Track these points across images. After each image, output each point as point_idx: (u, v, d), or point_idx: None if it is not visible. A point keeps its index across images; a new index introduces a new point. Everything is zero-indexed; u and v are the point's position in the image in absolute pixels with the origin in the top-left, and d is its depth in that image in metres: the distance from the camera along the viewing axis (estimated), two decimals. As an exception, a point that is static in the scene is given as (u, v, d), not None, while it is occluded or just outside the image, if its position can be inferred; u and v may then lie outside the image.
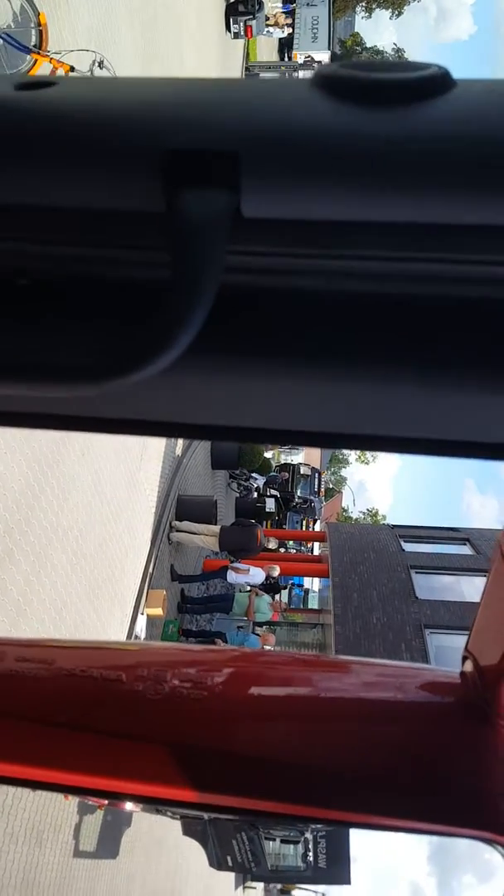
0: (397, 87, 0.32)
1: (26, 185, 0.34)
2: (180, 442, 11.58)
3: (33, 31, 5.25)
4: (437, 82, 0.32)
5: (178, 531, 10.27)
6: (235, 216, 0.33)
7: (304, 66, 26.71)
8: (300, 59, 26.98)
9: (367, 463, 54.48)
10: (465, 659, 1.11)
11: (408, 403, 0.39)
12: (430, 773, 1.02)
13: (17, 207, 0.35)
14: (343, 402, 0.40)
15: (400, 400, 0.39)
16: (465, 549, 14.20)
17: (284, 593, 18.87)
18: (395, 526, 16.25)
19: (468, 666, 1.10)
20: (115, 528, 7.60)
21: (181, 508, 10.65)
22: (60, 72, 5.14)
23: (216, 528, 10.46)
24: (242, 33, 17.71)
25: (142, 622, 8.31)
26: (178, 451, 11.52)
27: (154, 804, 1.06)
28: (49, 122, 0.34)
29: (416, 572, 13.11)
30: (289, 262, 0.35)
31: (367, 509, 52.36)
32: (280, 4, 23.91)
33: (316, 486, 26.07)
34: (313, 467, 28.05)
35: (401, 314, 0.36)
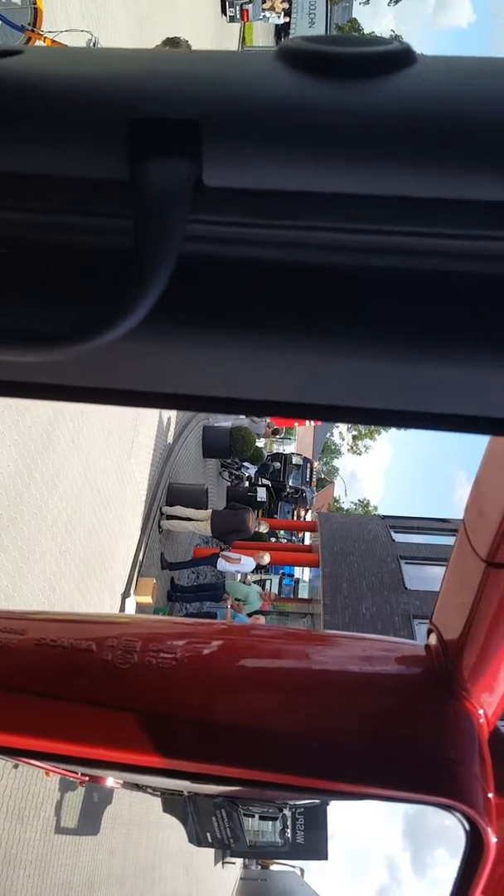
0: (359, 60, 0.33)
1: None
2: (172, 429, 11.54)
3: (28, 10, 5.18)
4: (399, 57, 0.33)
5: (168, 518, 10.25)
6: (198, 185, 0.33)
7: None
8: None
9: (359, 454, 54.59)
10: (429, 632, 1.14)
11: (371, 374, 0.39)
12: (395, 742, 1.04)
13: None
14: (300, 370, 0.40)
15: (363, 370, 0.39)
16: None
17: (275, 581, 18.91)
18: (385, 516, 16.30)
19: (433, 639, 1.13)
20: (104, 516, 7.57)
21: (172, 496, 10.62)
22: (53, 51, 5.08)
23: (207, 513, 10.44)
24: (238, 17, 17.55)
25: (131, 610, 8.30)
26: (170, 438, 11.48)
27: (122, 771, 1.07)
28: (14, 91, 0.34)
29: (406, 563, 13.16)
30: (251, 231, 0.35)
31: (359, 500, 52.49)
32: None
33: (308, 476, 26.07)
34: (305, 457, 28.06)
35: (360, 285, 0.36)
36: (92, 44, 5.37)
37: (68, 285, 0.38)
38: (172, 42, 5.16)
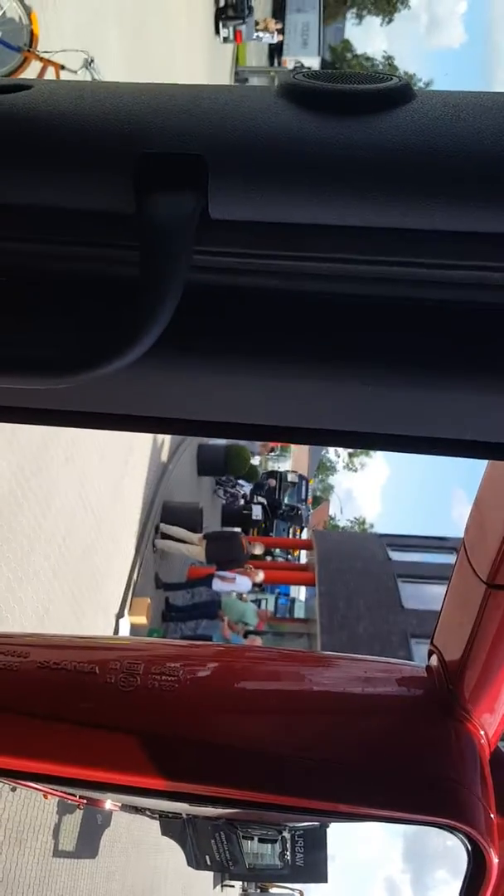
0: (359, 98, 0.34)
1: (1, 184, 0.35)
2: (166, 447, 11.50)
3: (24, 31, 5.21)
4: (398, 94, 0.35)
5: (163, 536, 10.21)
6: (203, 218, 0.34)
7: (295, 70, 26.77)
8: (290, 65, 27.06)
9: (354, 470, 54.63)
10: (430, 653, 1.16)
11: (373, 400, 0.39)
12: (396, 763, 1.05)
13: None
14: (303, 396, 0.40)
15: (365, 396, 0.39)
16: (453, 559, 14.22)
17: (271, 601, 18.79)
18: (382, 535, 16.25)
19: (433, 660, 1.14)
20: (98, 535, 7.51)
21: (166, 515, 10.57)
22: (50, 70, 5.12)
23: (201, 540, 10.42)
24: (232, 38, 17.75)
25: (125, 630, 8.21)
26: (164, 456, 11.44)
27: (123, 793, 1.09)
28: (24, 126, 0.35)
29: (403, 581, 13.09)
30: (255, 262, 0.35)
31: (355, 518, 52.53)
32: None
33: (303, 494, 26.09)
34: (301, 475, 28.09)
35: (361, 313, 0.36)
36: (88, 62, 5.41)
37: (75, 313, 0.38)
38: None
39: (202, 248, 0.35)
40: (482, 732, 1.06)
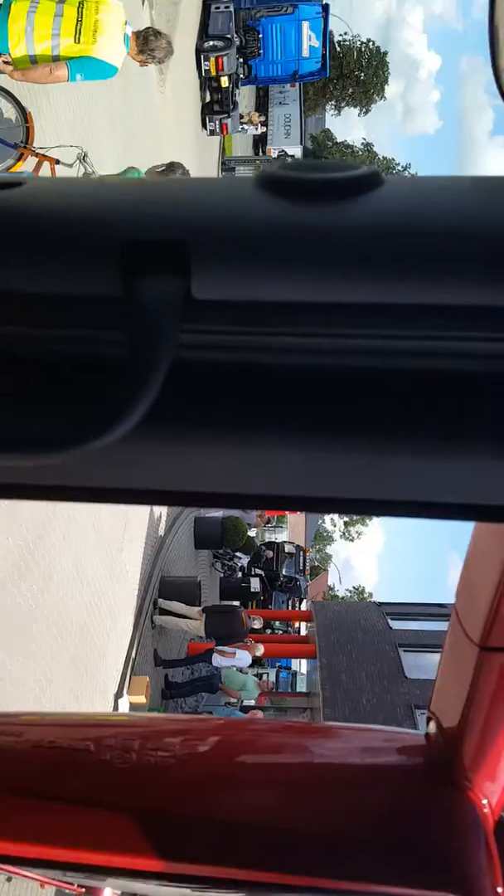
0: (330, 186, 0.37)
1: None
2: (163, 521, 11.50)
3: (21, 130, 5.50)
4: (367, 181, 0.37)
5: (161, 612, 10.09)
6: (187, 298, 0.36)
7: (278, 160, 28.11)
8: (274, 154, 28.33)
9: (351, 540, 54.26)
10: (428, 720, 1.13)
11: (357, 467, 0.41)
12: (397, 836, 1.02)
13: None
14: (287, 466, 0.42)
15: (348, 463, 0.41)
16: (453, 625, 13.99)
17: (272, 674, 18.36)
18: (381, 603, 16.05)
19: (432, 727, 1.11)
20: (96, 613, 7.44)
21: (164, 590, 10.47)
22: (46, 165, 5.37)
23: (201, 614, 10.31)
24: (218, 130, 18.60)
25: (124, 710, 8.03)
26: (161, 531, 11.42)
27: (123, 876, 1.04)
28: (16, 219, 0.38)
29: (405, 650, 12.87)
30: (238, 338, 0.38)
31: (354, 587, 51.73)
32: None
33: (301, 565, 25.73)
34: (298, 545, 27.79)
35: (346, 384, 0.39)
36: (82, 157, 5.68)
37: (65, 392, 0.40)
38: (170, 166, 5.49)
39: (188, 326, 0.37)
40: (485, 801, 1.03)
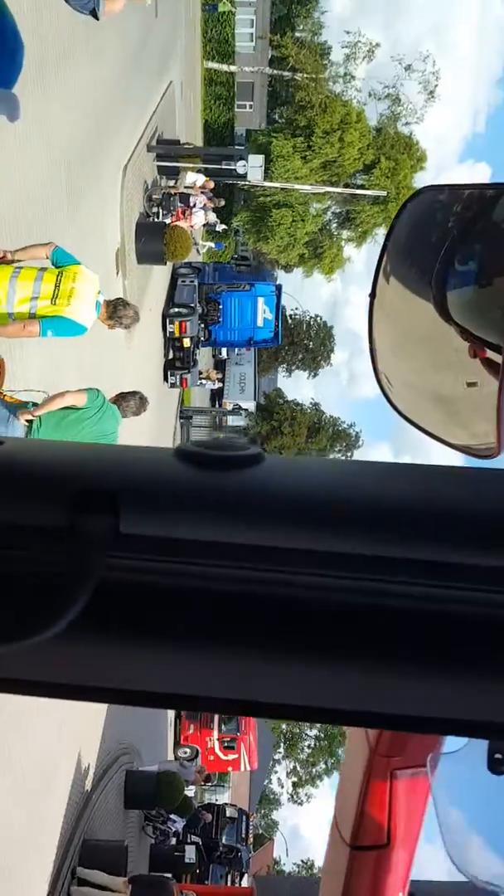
0: (224, 460, 0.52)
1: None
2: (91, 774, 10.54)
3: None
4: (252, 458, 0.52)
5: (80, 883, 8.87)
6: (116, 532, 0.48)
7: (233, 412, 30.30)
8: (229, 406, 30.54)
9: (300, 803, 49.68)
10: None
11: (269, 674, 0.50)
12: None
13: None
14: (197, 668, 0.51)
15: (243, 669, 0.50)
16: None
17: None
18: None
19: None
20: (6, 884, 6.54)
21: (86, 855, 9.31)
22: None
23: (125, 883, 9.12)
24: (178, 384, 20.16)
25: None
26: (88, 784, 10.43)
27: None
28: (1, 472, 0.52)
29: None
30: (155, 565, 0.49)
31: (302, 860, 46.46)
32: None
33: (243, 832, 23.48)
34: (241, 808, 25.55)
35: (240, 606, 0.50)
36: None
37: (9, 600, 0.50)
38: (122, 396, 5.84)
39: (114, 553, 0.48)
40: None
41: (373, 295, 0.77)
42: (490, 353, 0.67)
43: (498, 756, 0.63)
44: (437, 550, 0.47)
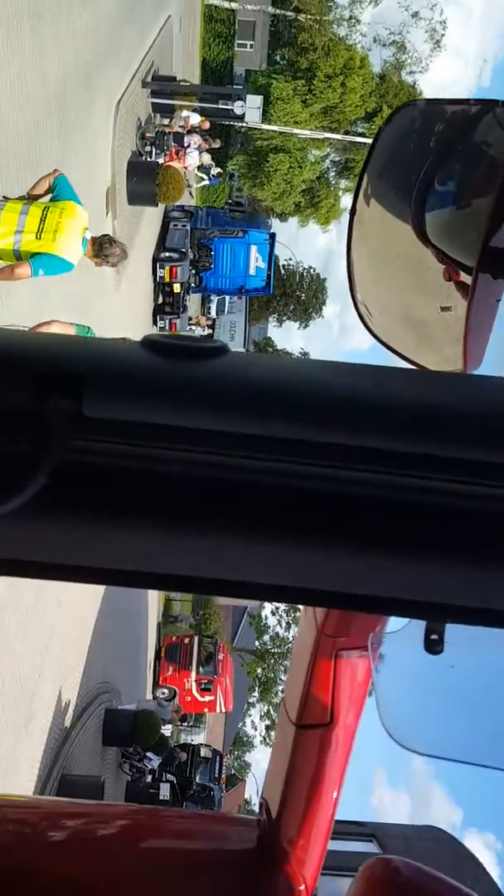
0: (189, 350, 0.53)
1: None
2: (70, 711, 10.76)
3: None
4: (216, 350, 0.53)
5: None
6: (80, 415, 0.50)
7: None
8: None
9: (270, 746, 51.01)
10: (260, 806, 1.25)
11: (231, 553, 0.52)
12: None
13: None
14: (157, 548, 0.53)
15: (206, 546, 0.52)
16: (371, 847, 13.03)
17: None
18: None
19: (262, 811, 1.23)
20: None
21: (63, 789, 9.58)
22: None
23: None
24: (168, 329, 19.95)
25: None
26: (68, 721, 10.65)
27: None
28: None
29: (323, 875, 11.78)
30: (119, 447, 0.50)
31: (272, 800, 47.87)
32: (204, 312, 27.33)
33: (217, 772, 24.14)
34: (215, 749, 26.22)
35: (203, 487, 0.51)
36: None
37: None
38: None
39: (78, 436, 0.50)
40: (302, 877, 1.13)
41: (353, 213, 0.75)
42: (464, 276, 0.65)
43: (434, 637, 0.65)
44: (380, 438, 0.49)
